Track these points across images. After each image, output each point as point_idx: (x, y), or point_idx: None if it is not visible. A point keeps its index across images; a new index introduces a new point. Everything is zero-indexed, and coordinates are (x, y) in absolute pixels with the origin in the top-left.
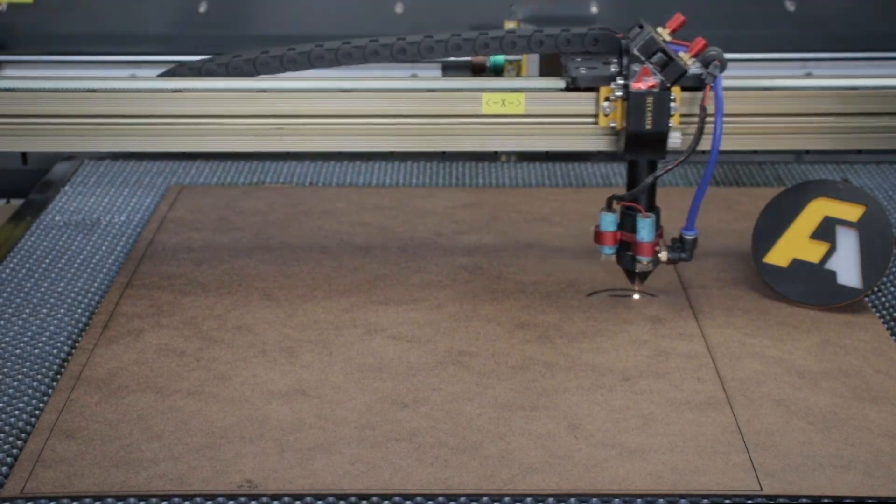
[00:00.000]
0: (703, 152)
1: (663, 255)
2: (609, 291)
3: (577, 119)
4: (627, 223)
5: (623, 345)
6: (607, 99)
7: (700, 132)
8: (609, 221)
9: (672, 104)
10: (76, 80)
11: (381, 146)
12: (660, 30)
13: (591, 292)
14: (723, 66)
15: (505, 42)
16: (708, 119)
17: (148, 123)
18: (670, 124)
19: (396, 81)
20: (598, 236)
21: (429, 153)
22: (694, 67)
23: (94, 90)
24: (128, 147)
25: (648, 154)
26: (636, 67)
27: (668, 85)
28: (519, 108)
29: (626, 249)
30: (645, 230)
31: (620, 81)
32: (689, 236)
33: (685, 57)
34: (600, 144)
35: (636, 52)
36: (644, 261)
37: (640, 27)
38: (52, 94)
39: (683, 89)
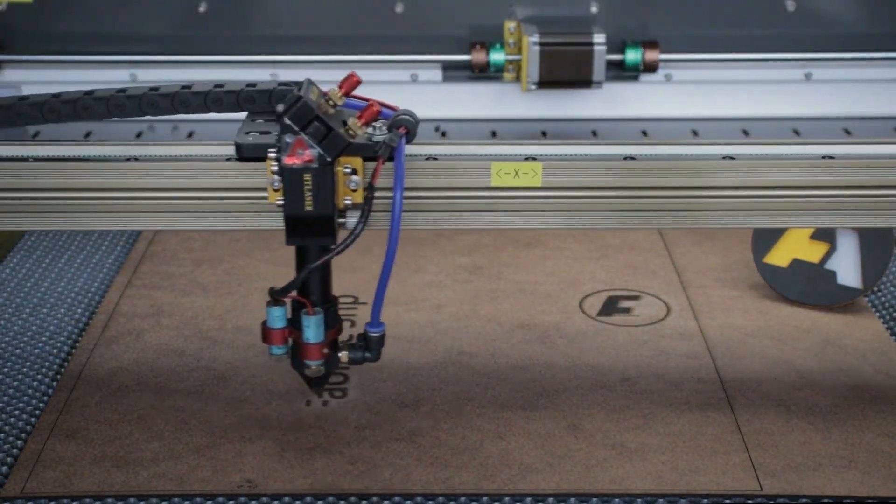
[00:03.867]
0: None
1: (343, 356)
2: (608, 291)
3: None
4: (296, 320)
5: (623, 345)
6: (274, 172)
7: (366, 214)
8: (276, 317)
9: (353, 177)
10: (20, 145)
11: None
12: (331, 90)
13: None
14: (411, 134)
15: (177, 101)
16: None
17: (100, 198)
18: (348, 201)
19: None
20: (266, 334)
21: None
22: (378, 133)
23: (39, 158)
24: (77, 226)
25: (315, 240)
26: (289, 139)
27: (330, 159)
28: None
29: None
30: (310, 330)
31: (272, 154)
32: (374, 333)
33: (355, 124)
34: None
35: (287, 121)
36: (313, 365)
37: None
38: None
39: (367, 159)
